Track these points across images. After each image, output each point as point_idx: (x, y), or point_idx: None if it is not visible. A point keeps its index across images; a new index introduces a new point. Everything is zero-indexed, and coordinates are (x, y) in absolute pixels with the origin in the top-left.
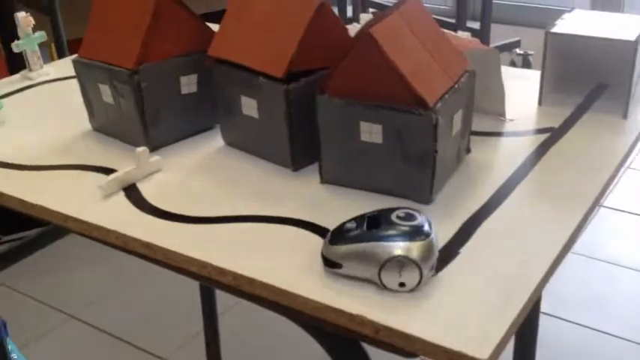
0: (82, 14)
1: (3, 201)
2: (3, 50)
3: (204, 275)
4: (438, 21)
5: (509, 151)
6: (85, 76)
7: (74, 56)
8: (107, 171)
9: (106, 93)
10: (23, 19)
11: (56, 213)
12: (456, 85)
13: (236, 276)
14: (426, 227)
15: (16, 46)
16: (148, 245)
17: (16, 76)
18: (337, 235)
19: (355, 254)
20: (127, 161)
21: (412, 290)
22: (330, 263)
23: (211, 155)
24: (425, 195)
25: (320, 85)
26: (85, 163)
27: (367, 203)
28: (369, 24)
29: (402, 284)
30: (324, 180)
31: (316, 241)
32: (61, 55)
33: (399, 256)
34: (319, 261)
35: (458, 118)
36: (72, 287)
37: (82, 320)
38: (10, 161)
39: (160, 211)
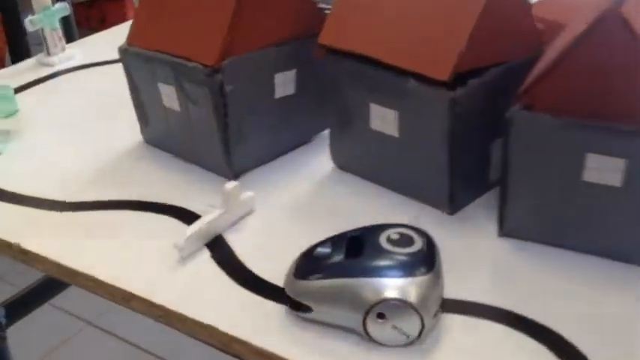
0: None
1: (31, 262)
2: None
3: None
4: None
5: None
6: (137, 72)
7: (105, 32)
8: (174, 211)
9: (169, 96)
10: None
11: (112, 288)
12: None
13: None
14: (429, 254)
15: (31, 23)
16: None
17: (30, 62)
18: (306, 265)
19: (330, 294)
20: (199, 194)
21: (410, 344)
22: (295, 305)
23: (319, 185)
24: None
25: (519, 96)
26: (142, 197)
27: (577, 269)
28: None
29: (401, 333)
30: (506, 232)
31: None
32: (68, 31)
33: (387, 299)
34: None
35: None
36: (88, 294)
37: (101, 327)
38: (34, 194)
39: (268, 287)
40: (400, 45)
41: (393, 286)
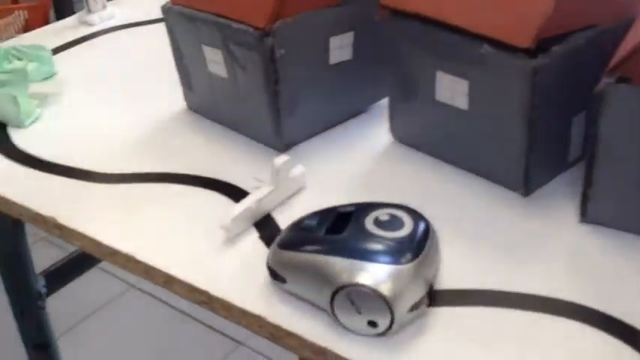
0: None
1: (67, 238)
2: None
3: None
4: None
5: None
6: (181, 33)
7: None
8: (219, 185)
9: (214, 61)
10: None
11: (153, 270)
12: None
13: None
14: (416, 241)
15: None
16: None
17: (70, 20)
18: (290, 236)
19: (302, 268)
20: (246, 168)
21: (380, 335)
22: (273, 274)
23: (375, 160)
24: None
25: (614, 66)
26: (185, 170)
27: None
28: None
29: (369, 323)
30: (589, 218)
31: None
32: None
33: (358, 285)
34: None
35: None
36: None
37: (143, 290)
38: (71, 164)
39: None
40: (474, 6)
41: (365, 271)
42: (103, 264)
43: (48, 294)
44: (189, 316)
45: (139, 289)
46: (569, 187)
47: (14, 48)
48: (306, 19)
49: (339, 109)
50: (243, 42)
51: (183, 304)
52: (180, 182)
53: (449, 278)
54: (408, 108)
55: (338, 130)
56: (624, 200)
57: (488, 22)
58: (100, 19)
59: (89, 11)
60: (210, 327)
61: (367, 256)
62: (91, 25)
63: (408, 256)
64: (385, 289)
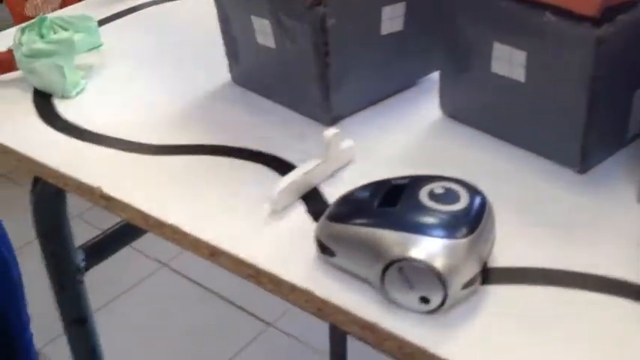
0: None
1: (114, 209)
2: None
3: None
4: None
5: None
6: (229, 2)
7: None
8: (266, 158)
9: (263, 31)
10: None
11: (199, 242)
12: None
13: None
14: (472, 216)
15: None
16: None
17: None
18: (339, 208)
19: (352, 241)
20: (294, 141)
21: (432, 312)
22: (322, 247)
23: (425, 135)
24: None
25: None
26: (232, 143)
27: None
28: None
29: (421, 299)
30: None
31: None
32: None
33: (410, 259)
34: None
35: None
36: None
37: (174, 270)
38: (117, 135)
39: None
40: None
41: (418, 245)
42: (136, 243)
43: (86, 269)
44: (220, 295)
45: (171, 269)
46: (627, 164)
47: (60, 18)
48: None
49: (389, 82)
50: (292, 12)
51: (214, 284)
52: (226, 155)
53: (502, 255)
54: (460, 81)
55: (387, 103)
56: None
57: None
58: None
59: None
60: (240, 307)
61: (421, 229)
62: None
63: (464, 230)
64: (439, 264)
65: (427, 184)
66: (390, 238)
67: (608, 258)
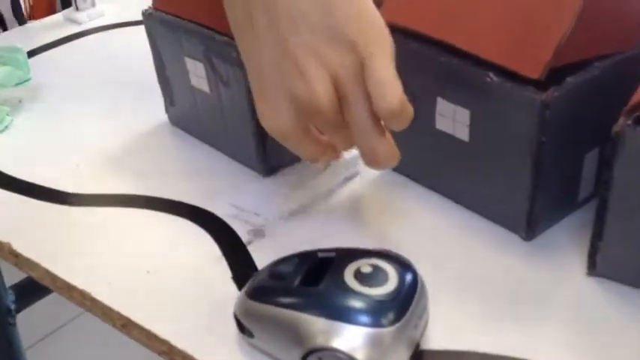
0: None
1: (23, 267)
2: None
3: None
4: None
5: None
6: (162, 42)
7: None
8: (193, 212)
9: (197, 75)
10: None
11: (109, 310)
12: None
13: None
14: (401, 299)
15: None
16: None
17: (57, 17)
18: (260, 283)
19: (271, 323)
20: (225, 193)
21: None
22: (240, 326)
23: (367, 190)
24: None
25: (632, 107)
26: (156, 193)
27: None
28: None
29: None
30: (598, 271)
31: None
32: None
33: (332, 349)
34: None
35: None
36: None
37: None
38: (35, 181)
39: None
40: (482, 30)
41: (340, 334)
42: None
43: (17, 310)
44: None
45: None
46: (577, 230)
47: None
48: None
49: None
50: (226, 55)
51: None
52: (151, 207)
53: (437, 336)
54: (406, 134)
55: None
56: (635, 255)
57: (495, 47)
58: (88, 18)
59: (77, 9)
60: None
61: (344, 316)
62: (78, 23)
63: (391, 316)
64: (362, 355)
65: (354, 260)
66: (310, 323)
67: (548, 342)
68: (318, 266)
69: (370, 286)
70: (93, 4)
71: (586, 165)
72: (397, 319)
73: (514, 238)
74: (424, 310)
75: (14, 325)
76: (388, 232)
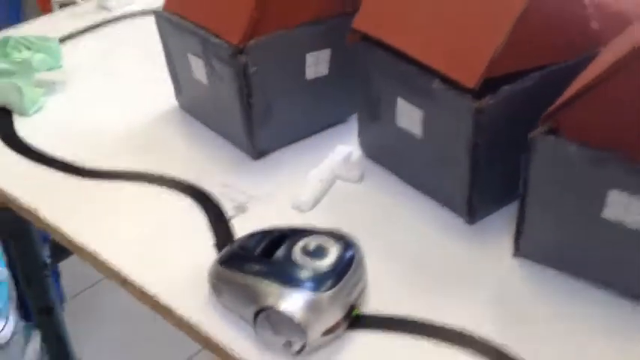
0: None
1: (48, 230)
2: None
3: None
4: None
5: None
6: (170, 39)
7: None
8: (190, 189)
9: (198, 69)
10: None
11: (111, 270)
12: None
13: None
14: (337, 271)
15: None
16: None
17: (90, 5)
18: (229, 253)
19: (233, 285)
20: (219, 173)
21: (295, 355)
22: (212, 286)
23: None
24: None
25: (546, 116)
26: (160, 170)
27: (595, 304)
28: None
29: (286, 343)
30: (521, 253)
31: None
32: None
33: (276, 308)
34: None
35: None
36: None
37: None
38: (58, 156)
39: None
40: (432, 41)
41: (285, 297)
42: None
43: (52, 264)
44: None
45: None
46: (513, 218)
47: (24, 38)
48: (281, 37)
49: (315, 121)
50: (220, 55)
51: None
52: (155, 182)
53: (379, 302)
54: (373, 127)
55: (315, 139)
56: (551, 240)
57: (441, 58)
58: (118, 4)
59: None
60: None
61: (289, 282)
62: (109, 10)
63: (327, 284)
64: (299, 315)
65: (303, 237)
66: (261, 286)
67: (475, 314)
68: (276, 241)
69: (313, 258)
70: None
71: (522, 164)
72: (332, 287)
73: (459, 222)
74: (359, 280)
75: (49, 276)
76: (350, 210)
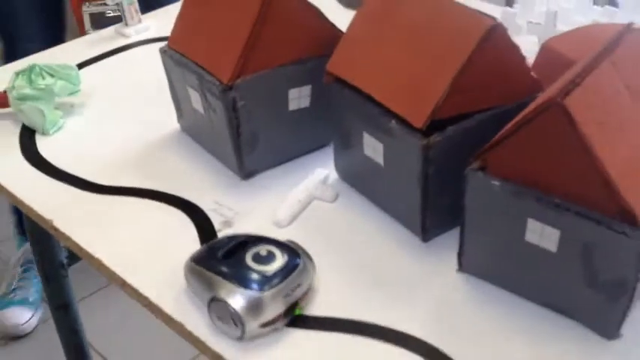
0: None
1: (60, 238)
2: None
3: None
4: None
5: None
6: (173, 73)
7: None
8: (190, 208)
9: (196, 100)
10: None
11: (114, 274)
12: None
13: None
14: (278, 276)
15: None
16: None
17: (109, 31)
18: (200, 252)
19: (198, 278)
20: (211, 190)
21: (238, 339)
22: (185, 275)
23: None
24: (611, 329)
25: (478, 155)
26: (160, 188)
27: (519, 313)
28: (565, 82)
29: (230, 329)
30: (464, 269)
31: None
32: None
33: (223, 300)
34: None
35: None
36: None
37: None
38: (74, 173)
39: None
40: (391, 85)
41: (231, 292)
42: None
43: (69, 264)
44: None
45: None
46: None
47: (47, 66)
48: (266, 75)
49: (297, 146)
50: (212, 91)
51: None
52: (155, 199)
53: (327, 305)
54: (345, 154)
55: (299, 161)
56: (487, 259)
57: (397, 100)
58: (135, 32)
59: (126, 24)
60: None
61: (237, 281)
62: (126, 37)
63: (268, 285)
64: (240, 309)
65: (259, 244)
66: (217, 282)
67: (416, 318)
68: (238, 245)
69: (260, 264)
70: (139, 21)
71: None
72: (272, 287)
73: (416, 239)
74: (302, 284)
75: (67, 276)
76: (323, 226)
